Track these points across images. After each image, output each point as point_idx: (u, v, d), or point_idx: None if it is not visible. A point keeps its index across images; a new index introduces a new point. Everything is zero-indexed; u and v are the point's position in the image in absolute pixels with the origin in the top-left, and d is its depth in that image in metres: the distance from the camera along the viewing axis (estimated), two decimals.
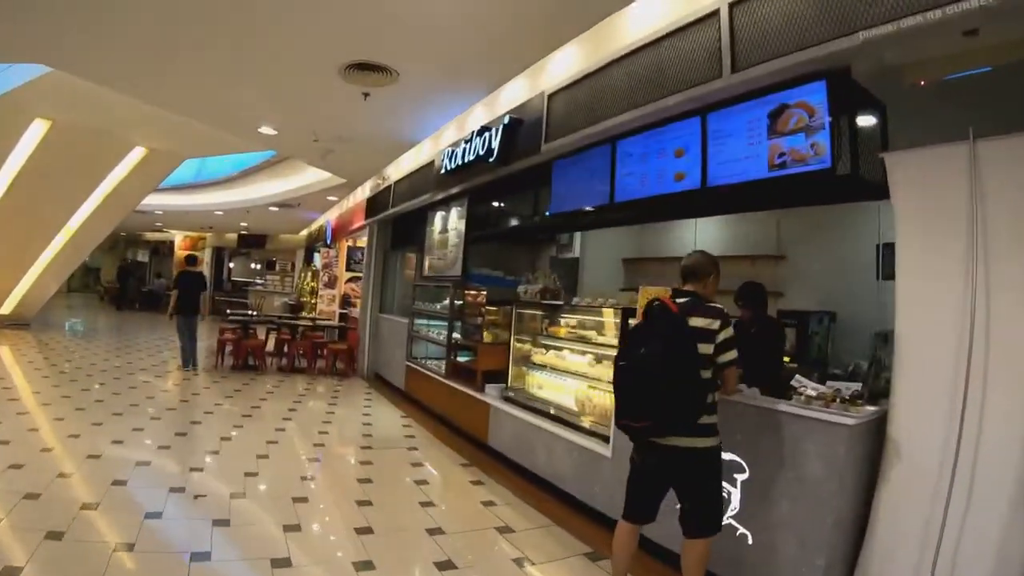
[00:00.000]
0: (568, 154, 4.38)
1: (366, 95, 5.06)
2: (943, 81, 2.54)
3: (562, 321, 5.00)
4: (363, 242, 11.63)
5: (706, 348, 2.50)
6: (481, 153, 5.14)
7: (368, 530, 3.43)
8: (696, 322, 2.52)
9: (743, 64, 2.80)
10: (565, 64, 4.24)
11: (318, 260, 15.74)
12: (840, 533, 2.51)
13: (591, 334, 4.70)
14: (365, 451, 5.19)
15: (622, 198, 3.85)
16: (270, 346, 9.67)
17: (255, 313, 12.95)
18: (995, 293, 2.25)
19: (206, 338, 10.70)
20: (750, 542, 2.75)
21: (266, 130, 7.05)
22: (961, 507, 2.26)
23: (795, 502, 2.60)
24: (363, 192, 10.03)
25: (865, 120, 2.79)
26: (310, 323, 10.00)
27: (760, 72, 2.75)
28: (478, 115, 5.60)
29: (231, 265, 22.35)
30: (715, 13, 2.92)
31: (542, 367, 5.04)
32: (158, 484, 3.87)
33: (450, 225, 6.81)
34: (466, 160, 5.44)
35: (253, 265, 22.26)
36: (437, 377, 6.49)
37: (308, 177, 10.95)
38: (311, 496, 3.97)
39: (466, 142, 5.51)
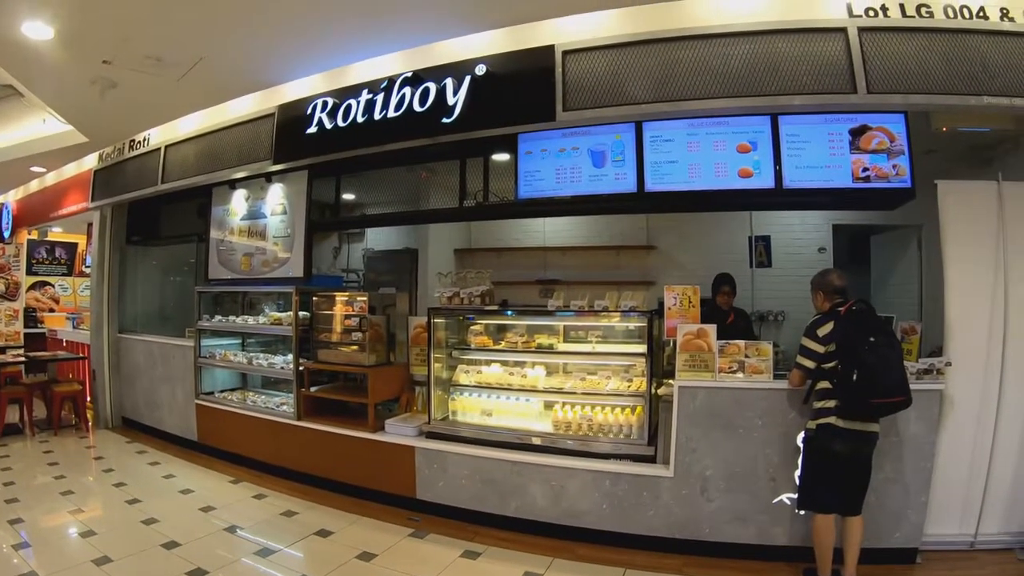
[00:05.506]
0: (541, 129, 3.67)
1: None
2: (956, 131, 3.39)
3: (512, 329, 4.13)
4: (56, 234, 9.43)
5: None
6: (420, 110, 3.80)
7: None
8: None
9: (878, 89, 3.00)
10: (594, 21, 3.50)
11: None
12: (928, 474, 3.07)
13: (556, 343, 4.05)
14: (268, 559, 3.17)
15: (658, 187, 3.48)
16: None
17: None
18: (1012, 287, 3.17)
19: None
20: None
21: (32, 29, 3.65)
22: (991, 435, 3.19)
23: (899, 461, 3.04)
24: (77, 167, 6.96)
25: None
26: (24, 358, 6.35)
27: (895, 101, 3.03)
28: (373, 67, 4.17)
29: None
30: (842, 30, 3.04)
31: (480, 388, 4.02)
32: None
33: (268, 210, 4.92)
34: (383, 116, 3.93)
35: None
36: (280, 420, 4.41)
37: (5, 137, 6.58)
38: None
39: (373, 93, 4.03)
